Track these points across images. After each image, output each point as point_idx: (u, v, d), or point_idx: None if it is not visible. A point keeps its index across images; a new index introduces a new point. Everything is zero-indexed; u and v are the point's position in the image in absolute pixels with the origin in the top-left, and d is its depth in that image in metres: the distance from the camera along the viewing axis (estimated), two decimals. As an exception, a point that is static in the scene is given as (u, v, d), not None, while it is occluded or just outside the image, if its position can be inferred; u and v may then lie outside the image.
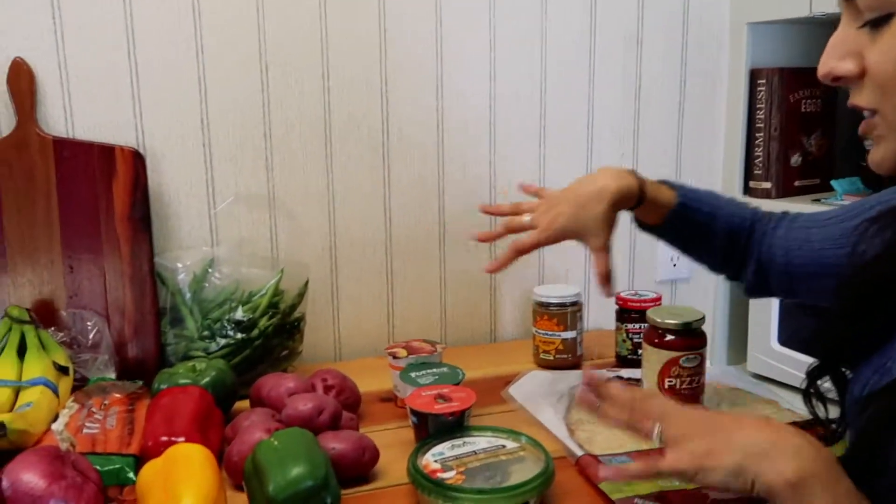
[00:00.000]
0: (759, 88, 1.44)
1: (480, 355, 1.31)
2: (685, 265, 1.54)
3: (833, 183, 1.43)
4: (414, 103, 1.31)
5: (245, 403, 1.04)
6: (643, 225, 1.01)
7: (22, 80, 1.10)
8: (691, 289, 1.57)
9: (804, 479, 0.61)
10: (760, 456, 0.62)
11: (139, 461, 0.86)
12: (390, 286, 1.35)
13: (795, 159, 1.48)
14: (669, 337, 1.00)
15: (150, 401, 0.96)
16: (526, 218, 0.99)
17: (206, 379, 1.00)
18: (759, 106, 1.45)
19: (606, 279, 0.94)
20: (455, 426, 0.91)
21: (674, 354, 0.99)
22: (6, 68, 1.10)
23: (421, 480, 0.81)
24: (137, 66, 1.17)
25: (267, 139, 1.24)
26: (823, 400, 0.75)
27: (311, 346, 1.29)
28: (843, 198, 1.39)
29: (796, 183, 1.49)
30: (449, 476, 0.81)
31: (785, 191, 1.47)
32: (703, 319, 1.00)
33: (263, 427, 0.88)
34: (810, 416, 0.76)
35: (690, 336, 1.00)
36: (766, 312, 1.44)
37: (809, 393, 0.76)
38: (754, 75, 1.45)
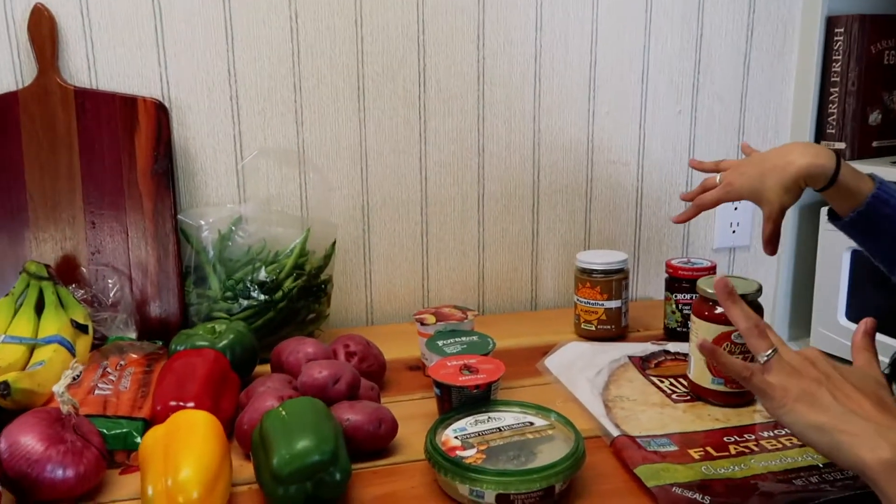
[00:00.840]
0: (836, 38, 1.31)
1: (518, 323, 1.24)
2: (745, 231, 1.43)
3: (916, 143, 1.29)
4: (453, 53, 1.23)
5: (266, 368, 0.99)
6: (834, 217, 0.93)
7: (43, 27, 1.06)
8: (751, 257, 1.46)
9: None
10: (864, 429, 0.60)
11: (149, 425, 0.83)
12: (425, 248, 1.29)
13: (874, 117, 1.34)
14: (720, 309, 0.90)
15: (164, 363, 0.93)
16: (718, 177, 0.98)
17: (224, 342, 0.96)
18: (835, 57, 1.32)
19: (768, 244, 0.92)
20: (480, 400, 0.85)
21: (725, 329, 0.90)
22: (27, 15, 1.06)
23: (437, 458, 0.74)
24: (162, 12, 1.11)
25: (297, 91, 1.18)
26: None
27: (342, 310, 1.24)
28: (926, 160, 1.25)
29: (874, 143, 1.36)
30: (469, 454, 0.75)
31: (861, 152, 1.34)
32: (759, 290, 0.91)
33: (276, 395, 0.83)
34: None
35: (745, 309, 0.90)
36: (833, 285, 1.32)
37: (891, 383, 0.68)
38: (831, 23, 1.32)
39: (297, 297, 1.08)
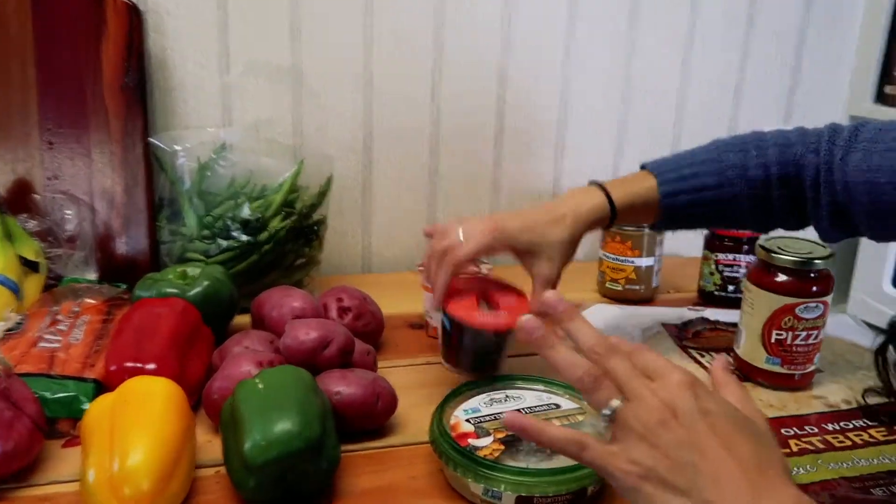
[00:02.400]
0: (916, -35, 1.14)
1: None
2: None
3: None
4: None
5: (246, 319, 0.86)
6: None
7: None
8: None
9: None
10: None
11: (101, 389, 0.69)
12: (433, 188, 1.14)
13: (949, 60, 1.18)
14: (784, 277, 0.77)
15: (123, 313, 0.79)
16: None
17: (197, 289, 0.82)
18: (912, -12, 1.15)
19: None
20: (494, 348, 0.72)
21: (789, 301, 0.76)
22: None
23: (446, 448, 0.61)
24: None
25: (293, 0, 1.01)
26: None
27: (335, 255, 1.09)
28: None
29: (945, 91, 1.19)
30: (484, 445, 0.62)
31: (929, 101, 1.18)
32: (832, 257, 0.77)
33: (255, 359, 0.69)
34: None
35: (813, 279, 0.76)
36: (880, 248, 1.19)
37: (884, 352, 0.62)
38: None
39: (285, 239, 0.93)
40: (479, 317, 0.73)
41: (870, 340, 0.93)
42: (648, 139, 1.20)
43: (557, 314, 0.50)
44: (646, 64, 1.16)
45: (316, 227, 0.97)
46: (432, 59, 1.08)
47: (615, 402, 0.46)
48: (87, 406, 0.67)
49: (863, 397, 0.75)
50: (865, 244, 1.24)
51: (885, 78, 1.21)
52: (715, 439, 0.42)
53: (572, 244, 0.75)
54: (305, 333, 0.71)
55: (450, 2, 1.06)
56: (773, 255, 0.76)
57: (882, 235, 0.71)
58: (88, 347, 0.75)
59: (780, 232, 0.83)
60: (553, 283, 0.75)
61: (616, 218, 0.76)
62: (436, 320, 0.84)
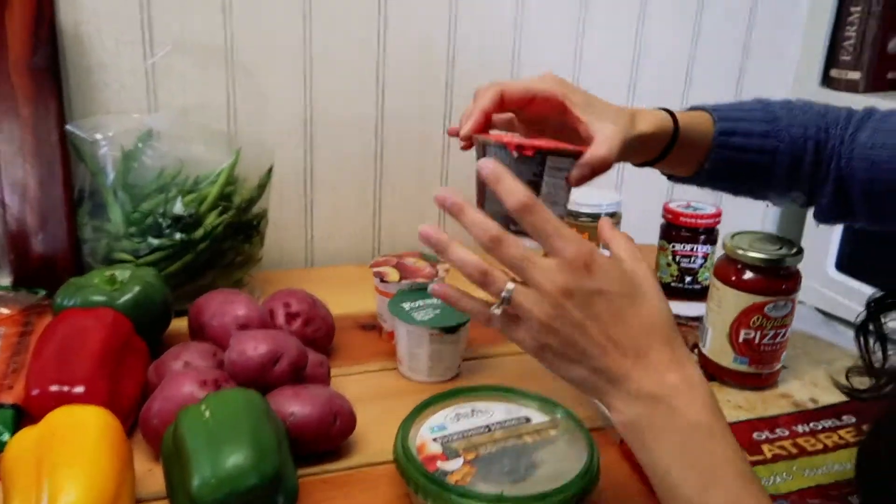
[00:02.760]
0: (864, -53, 1.13)
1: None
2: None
3: (940, 78, 1.14)
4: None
5: (182, 324, 0.79)
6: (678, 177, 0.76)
7: None
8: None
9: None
10: (617, 380, 0.49)
11: (21, 415, 0.62)
12: (379, 177, 1.07)
13: (894, 45, 1.18)
14: (751, 275, 0.74)
15: (44, 326, 0.71)
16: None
17: (127, 296, 0.74)
18: (860, -30, 1.14)
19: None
20: (518, 171, 0.57)
21: (758, 300, 0.74)
22: None
23: (414, 475, 0.57)
24: None
25: (223, -29, 0.93)
26: (884, 341, 0.58)
27: (276, 248, 1.02)
28: (952, 98, 1.11)
29: (889, 75, 1.20)
30: (453, 468, 0.57)
31: (875, 84, 1.19)
32: (800, 253, 0.75)
33: (197, 378, 0.63)
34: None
35: (782, 276, 0.74)
36: (824, 232, 1.19)
37: (866, 329, 0.58)
38: (860, -71, 1.13)
39: (222, 236, 0.86)
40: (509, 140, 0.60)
41: (825, 331, 0.93)
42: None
43: (447, 210, 0.52)
44: (597, 47, 1.12)
45: (256, 223, 0.90)
46: (376, 37, 1.01)
47: (510, 286, 0.50)
48: (6, 438, 0.60)
49: (846, 377, 0.73)
50: (810, 228, 1.24)
51: (830, 61, 1.20)
52: (604, 317, 0.49)
53: (632, 134, 0.64)
54: (253, 348, 0.65)
55: (395, -23, 0.99)
56: (742, 251, 0.74)
57: (876, 218, 0.69)
58: (5, 365, 0.67)
59: (743, 226, 0.81)
60: (614, 153, 0.61)
61: (677, 139, 0.69)
62: (390, 324, 0.79)
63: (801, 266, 1.19)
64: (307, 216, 1.05)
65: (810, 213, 0.76)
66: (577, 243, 0.49)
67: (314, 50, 0.99)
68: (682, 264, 0.99)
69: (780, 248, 0.74)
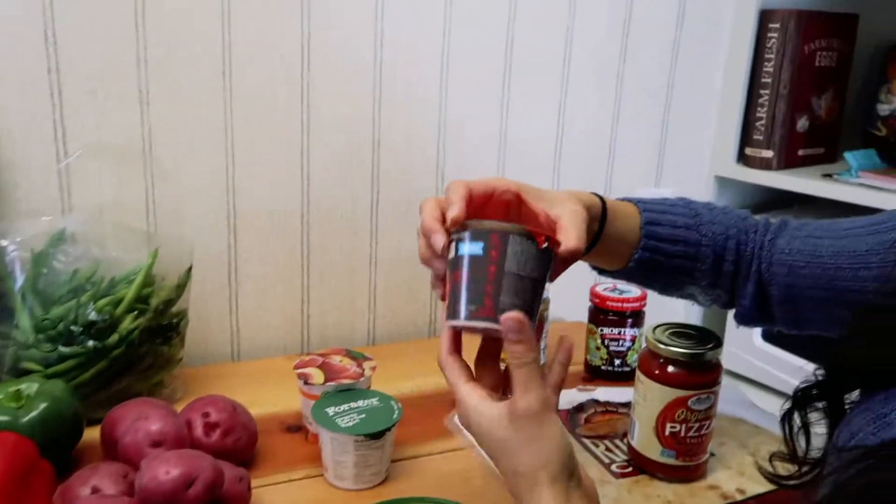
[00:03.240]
0: (769, 34, 1.19)
1: (417, 357, 1.03)
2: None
3: (847, 155, 1.20)
4: (344, 20, 1.00)
5: (95, 434, 0.75)
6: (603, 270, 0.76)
7: None
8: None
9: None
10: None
11: None
12: (306, 265, 1.06)
13: (802, 123, 1.24)
14: (673, 369, 0.75)
15: (-61, 455, 0.66)
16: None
17: (33, 414, 0.70)
18: (767, 56, 1.20)
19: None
20: (539, 264, 0.55)
21: (681, 394, 0.74)
22: None
23: None
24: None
25: (141, 64, 0.91)
26: (808, 430, 0.59)
27: (200, 342, 0.99)
28: (858, 175, 1.16)
29: (800, 152, 1.25)
30: None
31: (787, 161, 1.24)
32: (719, 345, 0.76)
33: (104, 508, 0.59)
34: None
35: (704, 369, 0.75)
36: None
37: (790, 418, 0.59)
38: (765, 18, 1.19)
39: (138, 340, 0.83)
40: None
41: (751, 413, 0.94)
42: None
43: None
44: (521, 126, 1.14)
45: (175, 324, 0.87)
46: (300, 124, 1.00)
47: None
48: None
49: (769, 462, 0.74)
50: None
51: (745, 140, 1.25)
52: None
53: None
54: (165, 473, 0.62)
55: (315, 60, 0.99)
56: (664, 346, 0.75)
57: (793, 323, 0.71)
58: None
59: (670, 308, 0.82)
60: (581, 227, 0.60)
61: (604, 225, 0.68)
62: (314, 427, 0.76)
63: (728, 336, 1.22)
64: (232, 309, 1.03)
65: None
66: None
67: (235, 141, 0.98)
68: (611, 347, 1.00)
69: (701, 342, 0.75)
